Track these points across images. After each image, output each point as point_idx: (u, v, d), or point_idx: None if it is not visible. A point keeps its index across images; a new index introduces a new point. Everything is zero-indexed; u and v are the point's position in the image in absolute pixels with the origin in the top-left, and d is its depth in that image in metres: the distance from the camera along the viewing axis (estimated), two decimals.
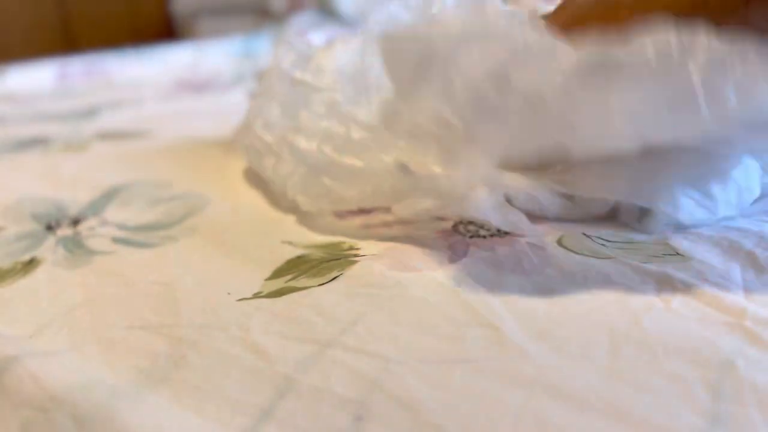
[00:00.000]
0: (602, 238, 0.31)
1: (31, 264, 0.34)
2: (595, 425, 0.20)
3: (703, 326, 0.24)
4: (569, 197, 0.32)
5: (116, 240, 0.36)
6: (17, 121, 0.66)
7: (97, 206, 0.41)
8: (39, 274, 0.33)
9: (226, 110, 0.65)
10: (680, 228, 0.31)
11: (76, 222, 0.39)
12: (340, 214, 0.36)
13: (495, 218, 0.30)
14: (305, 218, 0.36)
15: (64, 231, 0.38)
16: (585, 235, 0.32)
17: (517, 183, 0.30)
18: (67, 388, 0.24)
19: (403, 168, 0.30)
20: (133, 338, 0.26)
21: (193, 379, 0.24)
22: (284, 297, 0.28)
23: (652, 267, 0.28)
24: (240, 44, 0.92)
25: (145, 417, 0.22)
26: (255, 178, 0.43)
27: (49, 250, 0.36)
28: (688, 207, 0.30)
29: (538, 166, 0.31)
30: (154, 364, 0.25)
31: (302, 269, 0.31)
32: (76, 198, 0.43)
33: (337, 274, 0.30)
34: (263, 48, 0.93)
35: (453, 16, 0.28)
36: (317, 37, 0.93)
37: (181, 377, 0.24)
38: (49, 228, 0.38)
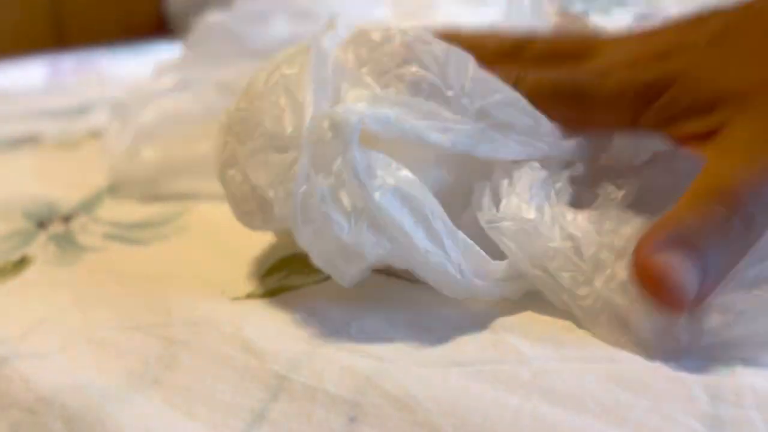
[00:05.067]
0: None
1: (22, 263, 0.34)
2: (593, 428, 0.20)
3: None
4: None
5: (108, 236, 0.36)
6: (8, 118, 0.65)
7: (89, 204, 0.41)
8: (30, 273, 0.33)
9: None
10: None
11: (67, 219, 0.39)
12: None
13: None
14: None
15: (56, 228, 0.38)
16: None
17: None
18: (56, 390, 0.23)
19: None
20: (124, 339, 0.26)
21: (184, 380, 0.23)
22: (278, 296, 0.28)
23: None
24: None
25: (136, 420, 0.22)
26: None
27: (40, 247, 0.35)
28: None
29: None
30: (146, 365, 0.24)
31: (296, 267, 0.30)
32: (67, 196, 0.42)
33: None
34: None
35: None
36: None
37: (172, 379, 0.24)
38: (41, 225, 0.38)
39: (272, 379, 0.23)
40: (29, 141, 0.56)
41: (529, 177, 0.26)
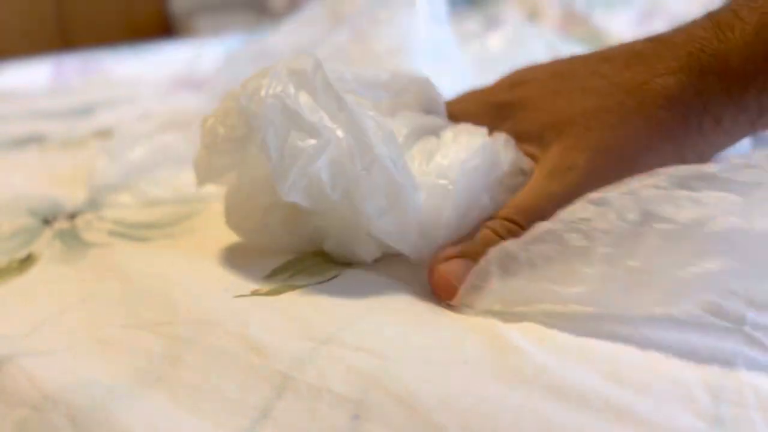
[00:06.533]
0: None
1: (27, 261, 0.34)
2: (595, 425, 0.20)
3: (703, 331, 0.24)
4: None
5: (113, 233, 0.36)
6: (13, 118, 0.66)
7: (94, 203, 0.41)
8: (35, 271, 0.33)
9: None
10: None
11: (72, 216, 0.39)
12: None
13: None
14: None
15: (61, 224, 0.38)
16: None
17: None
18: (62, 388, 0.23)
19: None
20: (128, 337, 0.26)
21: (189, 378, 0.24)
22: (282, 295, 0.28)
23: None
24: (239, 42, 0.92)
25: (141, 417, 0.22)
26: None
27: (45, 244, 0.35)
28: None
29: None
30: (150, 363, 0.25)
31: (300, 268, 0.30)
32: (72, 195, 0.42)
33: (335, 274, 0.29)
34: None
35: None
36: None
37: (177, 376, 0.24)
38: (46, 222, 0.38)
39: (277, 377, 0.23)
40: (34, 140, 0.57)
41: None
